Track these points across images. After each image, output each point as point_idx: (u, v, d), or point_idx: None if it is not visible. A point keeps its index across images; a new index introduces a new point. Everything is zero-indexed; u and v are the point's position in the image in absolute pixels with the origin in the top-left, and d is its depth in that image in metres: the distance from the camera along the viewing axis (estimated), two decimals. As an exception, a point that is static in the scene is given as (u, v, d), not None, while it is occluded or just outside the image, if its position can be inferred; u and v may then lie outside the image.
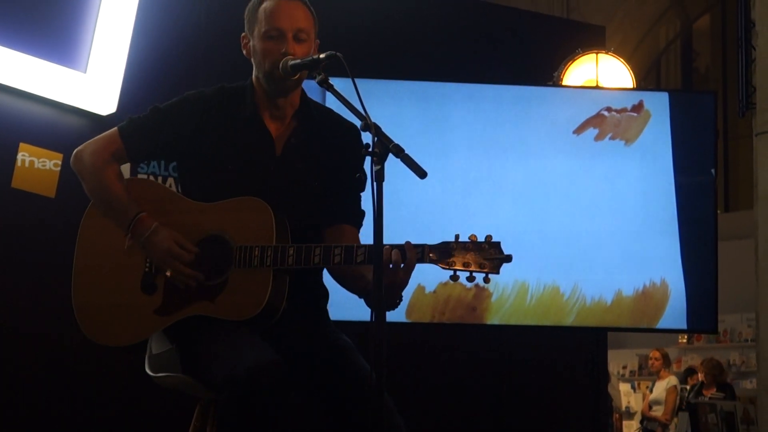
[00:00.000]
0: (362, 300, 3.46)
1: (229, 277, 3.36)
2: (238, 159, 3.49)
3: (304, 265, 3.33)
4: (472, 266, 3.25)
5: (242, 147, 3.51)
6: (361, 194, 3.63)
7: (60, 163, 5.74)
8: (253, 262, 3.34)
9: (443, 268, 3.26)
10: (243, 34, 3.59)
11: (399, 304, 3.36)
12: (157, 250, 3.38)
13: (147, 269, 3.45)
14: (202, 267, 3.39)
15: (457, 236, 3.27)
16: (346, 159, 3.60)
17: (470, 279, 3.27)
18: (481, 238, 3.27)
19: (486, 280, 3.26)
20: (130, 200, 3.47)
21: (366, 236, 3.35)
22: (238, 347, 3.24)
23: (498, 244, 3.27)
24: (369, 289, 3.35)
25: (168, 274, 3.38)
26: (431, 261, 3.27)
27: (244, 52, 3.60)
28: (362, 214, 3.65)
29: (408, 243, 3.26)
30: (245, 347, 3.23)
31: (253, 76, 3.59)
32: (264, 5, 3.51)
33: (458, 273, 3.26)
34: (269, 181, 3.48)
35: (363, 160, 3.57)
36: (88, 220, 3.57)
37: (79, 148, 3.57)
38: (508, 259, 3.25)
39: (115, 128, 3.57)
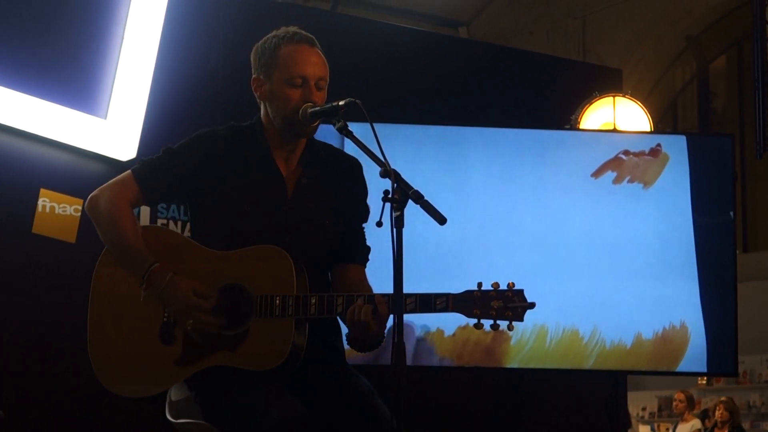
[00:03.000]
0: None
1: (250, 327, 3.35)
2: (250, 200, 3.49)
3: (327, 314, 3.33)
4: (496, 315, 3.26)
5: (254, 188, 3.51)
6: (364, 226, 3.65)
7: (80, 208, 5.76)
8: (274, 312, 3.34)
9: (467, 317, 3.27)
10: (255, 76, 3.58)
11: (378, 345, 3.40)
12: (177, 303, 3.36)
13: (165, 319, 3.42)
14: (222, 316, 3.38)
15: (479, 284, 3.28)
16: (352, 194, 3.63)
17: (494, 327, 3.27)
18: (502, 285, 3.28)
19: (510, 327, 3.27)
20: (145, 249, 3.45)
21: (386, 280, 3.36)
22: (263, 399, 3.22)
23: (521, 291, 3.28)
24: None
25: (189, 324, 3.36)
26: (455, 310, 3.29)
27: (257, 94, 3.59)
28: (368, 249, 3.67)
29: (378, 296, 3.30)
30: (270, 399, 3.22)
31: (263, 116, 3.59)
32: (284, 50, 3.50)
33: (482, 321, 3.27)
34: (282, 223, 3.49)
35: (366, 192, 3.61)
36: (102, 267, 3.54)
37: (93, 193, 3.55)
38: (532, 306, 3.26)
39: (129, 172, 3.56)
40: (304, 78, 3.47)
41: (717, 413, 12.53)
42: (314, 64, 3.50)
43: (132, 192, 3.53)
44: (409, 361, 5.22)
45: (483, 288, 3.28)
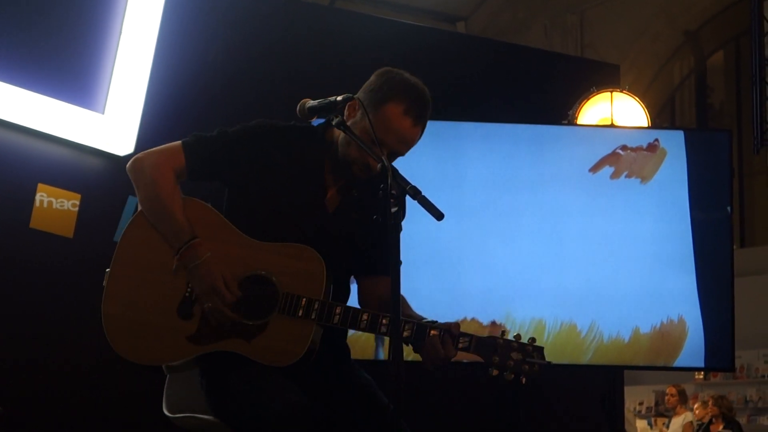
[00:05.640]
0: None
1: (270, 321, 3.35)
2: (289, 204, 3.46)
3: (349, 326, 3.34)
4: (514, 366, 3.31)
5: (297, 194, 3.48)
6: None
7: (78, 203, 5.77)
8: (297, 312, 3.33)
9: (485, 362, 3.32)
10: (357, 97, 3.43)
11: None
12: (203, 283, 3.34)
13: (187, 294, 3.40)
14: (243, 304, 3.37)
15: (503, 332, 3.34)
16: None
17: (508, 377, 3.31)
18: (523, 335, 3.35)
19: (522, 381, 3.30)
20: (186, 221, 3.41)
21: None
22: (268, 389, 3.24)
23: (541, 349, 3.34)
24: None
25: (207, 306, 3.35)
26: (476, 353, 3.34)
27: (346, 114, 3.47)
28: (399, 263, 3.65)
29: (449, 338, 3.31)
30: (275, 390, 3.23)
31: (334, 136, 3.51)
32: (397, 113, 3.39)
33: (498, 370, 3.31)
34: (321, 232, 3.47)
35: (404, 217, 3.59)
36: (133, 229, 3.50)
37: (139, 155, 3.50)
38: (549, 366, 3.33)
39: (179, 142, 3.50)
40: (395, 153, 3.43)
41: (700, 409, 12.62)
42: (408, 144, 3.43)
43: (178, 163, 3.47)
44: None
45: (505, 338, 3.33)
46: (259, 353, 3.33)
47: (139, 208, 3.51)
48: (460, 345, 3.32)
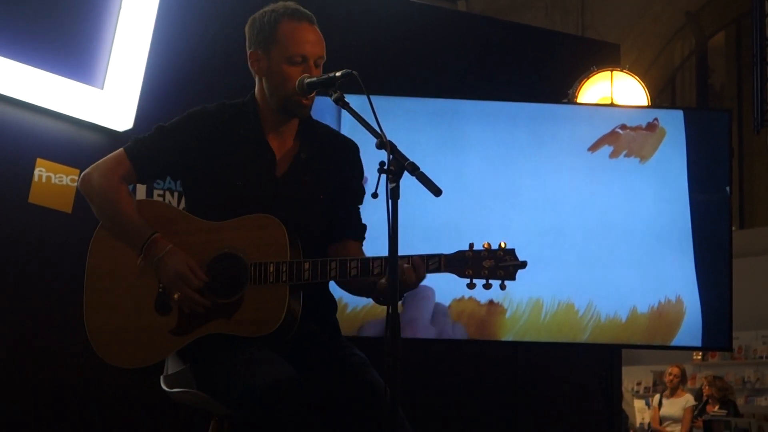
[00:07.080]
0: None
1: (245, 294, 3.37)
2: (242, 176, 3.50)
3: (320, 278, 3.35)
4: (488, 274, 3.28)
5: (245, 164, 3.52)
6: (360, 207, 3.69)
7: (77, 178, 5.75)
8: (268, 279, 3.35)
9: (459, 276, 3.29)
10: (251, 51, 3.57)
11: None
12: (169, 272, 3.38)
13: (161, 290, 3.44)
14: (216, 286, 3.40)
15: (471, 245, 3.30)
16: (347, 174, 3.66)
17: (487, 286, 3.29)
18: (494, 245, 3.29)
19: (502, 286, 3.29)
20: (143, 221, 3.48)
21: (382, 251, 3.35)
22: (256, 363, 3.24)
23: (512, 250, 3.30)
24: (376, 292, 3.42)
25: (176, 296, 3.39)
26: (447, 271, 3.31)
27: (254, 69, 3.59)
28: (364, 227, 3.70)
29: (418, 259, 3.30)
30: (263, 363, 3.24)
31: (258, 93, 3.60)
32: (284, 27, 3.50)
33: (475, 281, 3.27)
34: (275, 197, 3.49)
35: (362, 174, 3.62)
36: (97, 243, 3.57)
37: (86, 170, 3.57)
38: (523, 265, 3.28)
39: (122, 149, 3.58)
40: (304, 56, 3.48)
41: (704, 390, 12.63)
42: (314, 42, 3.50)
43: (125, 169, 3.55)
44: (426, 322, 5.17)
45: (474, 248, 3.29)
46: (241, 327, 3.36)
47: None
48: (431, 266, 3.31)
